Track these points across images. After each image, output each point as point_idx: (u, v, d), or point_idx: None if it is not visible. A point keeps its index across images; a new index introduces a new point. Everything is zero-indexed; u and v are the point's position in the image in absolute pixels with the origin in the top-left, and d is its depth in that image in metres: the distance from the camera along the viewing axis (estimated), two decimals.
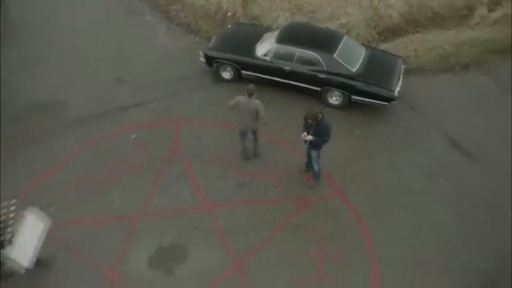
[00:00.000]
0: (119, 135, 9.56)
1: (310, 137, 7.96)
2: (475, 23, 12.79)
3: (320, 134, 7.93)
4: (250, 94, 8.24)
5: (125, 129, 9.67)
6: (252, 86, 8.33)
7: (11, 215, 6.44)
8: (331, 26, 12.44)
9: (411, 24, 13.07)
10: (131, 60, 11.36)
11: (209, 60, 10.75)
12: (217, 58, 10.63)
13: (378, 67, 10.18)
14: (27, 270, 6.60)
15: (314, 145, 8.16)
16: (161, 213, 8.23)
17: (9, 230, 6.38)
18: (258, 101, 8.33)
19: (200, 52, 10.81)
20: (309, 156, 8.54)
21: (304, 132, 8.03)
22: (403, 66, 10.47)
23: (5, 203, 6.46)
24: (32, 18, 12.34)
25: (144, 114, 10.09)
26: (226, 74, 10.84)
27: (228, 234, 7.99)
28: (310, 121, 7.90)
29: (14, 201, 6.56)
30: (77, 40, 11.79)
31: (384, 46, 12.08)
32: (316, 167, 8.56)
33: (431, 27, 12.93)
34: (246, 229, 8.09)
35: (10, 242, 6.32)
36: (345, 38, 10.44)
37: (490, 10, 12.96)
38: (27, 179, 8.58)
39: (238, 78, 10.73)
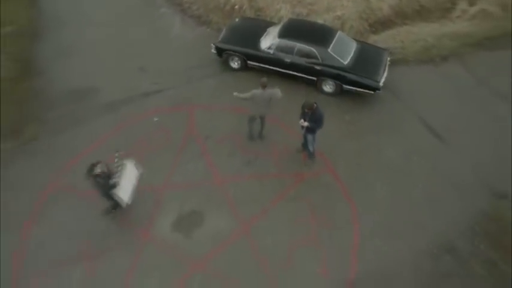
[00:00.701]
0: (143, 118, 10.54)
1: (306, 124, 9.00)
2: (456, 16, 13.33)
3: (315, 121, 8.97)
4: (264, 86, 9.15)
5: (148, 113, 10.65)
6: (265, 79, 9.22)
7: (117, 163, 8.08)
8: (328, 17, 13.11)
9: (400, 16, 13.60)
10: (150, 50, 12.14)
11: (219, 51, 11.63)
12: (226, 50, 11.52)
13: (366, 60, 11.02)
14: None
15: (310, 130, 9.19)
16: (181, 186, 9.33)
17: (118, 175, 8.01)
18: (271, 90, 9.26)
19: (212, 44, 11.64)
20: (305, 139, 9.56)
21: (301, 119, 9.07)
22: (388, 59, 11.31)
23: (116, 154, 8.08)
24: (62, 13, 13.00)
25: (163, 100, 11.00)
26: (234, 64, 11.72)
27: (237, 204, 9.13)
28: (306, 110, 8.91)
29: (117, 154, 8.16)
30: (102, 32, 12.50)
31: (374, 37, 12.77)
32: (311, 148, 9.62)
33: (418, 20, 13.48)
34: (251, 199, 9.21)
35: (118, 183, 7.95)
36: (339, 33, 11.25)
37: (471, 4, 13.46)
38: (65, 158, 9.65)
39: (245, 67, 11.63)
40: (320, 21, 12.85)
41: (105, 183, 7.89)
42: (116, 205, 8.56)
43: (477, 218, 8.90)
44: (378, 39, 12.69)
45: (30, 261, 8.17)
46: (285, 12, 13.31)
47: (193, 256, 8.37)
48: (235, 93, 9.56)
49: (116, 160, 8.12)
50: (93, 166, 7.75)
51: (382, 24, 13.46)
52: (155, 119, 10.56)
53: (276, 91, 9.41)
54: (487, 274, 8.09)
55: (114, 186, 7.97)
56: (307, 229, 8.82)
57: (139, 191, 8.65)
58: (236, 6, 13.50)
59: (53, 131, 10.16)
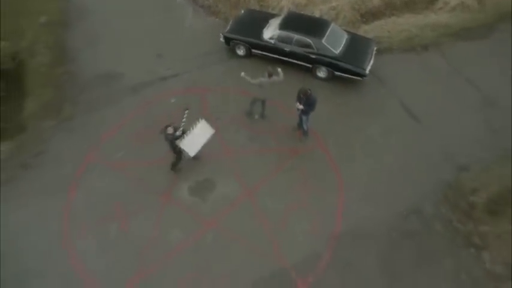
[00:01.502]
0: (162, 100, 11.95)
1: (301, 107, 10.44)
2: (438, 8, 14.46)
3: (309, 105, 10.41)
4: (270, 75, 10.54)
5: (166, 95, 12.07)
6: (270, 68, 10.61)
7: (184, 119, 9.56)
8: (324, 8, 14.33)
9: (389, 7, 14.79)
10: (167, 38, 13.42)
11: (227, 40, 12.99)
12: (233, 39, 12.88)
13: (355, 49, 12.34)
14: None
15: (304, 112, 10.62)
16: (196, 157, 10.54)
17: (182, 129, 9.53)
18: (275, 77, 10.59)
19: (220, 34, 13.00)
20: (300, 119, 10.98)
21: (297, 102, 10.48)
22: (375, 48, 12.64)
23: (186, 112, 9.62)
24: (88, 4, 14.19)
25: (178, 83, 12.38)
26: (240, 51, 13.07)
27: (242, 173, 10.63)
28: (302, 95, 10.33)
29: (187, 111, 9.63)
30: (124, 21, 13.75)
31: (365, 27, 14.00)
32: (305, 127, 11.07)
33: (405, 11, 14.64)
34: (254, 169, 10.69)
35: (183, 137, 9.53)
36: (332, 25, 12.51)
37: None
38: (98, 134, 11.15)
39: (249, 55, 12.99)
40: (317, 11, 14.12)
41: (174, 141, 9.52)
42: (179, 162, 10.12)
43: (441, 187, 10.42)
44: (368, 29, 13.90)
45: (75, 218, 9.79)
46: (286, 3, 14.50)
47: (207, 215, 9.95)
48: (242, 74, 10.73)
49: (184, 116, 9.63)
50: (166, 127, 9.44)
51: (372, 15, 14.63)
52: (172, 100, 11.95)
53: (279, 73, 10.66)
54: (444, 231, 9.70)
55: (177, 138, 9.50)
56: (300, 195, 10.33)
57: (159, 163, 10.11)
58: None
59: (85, 111, 11.62)
